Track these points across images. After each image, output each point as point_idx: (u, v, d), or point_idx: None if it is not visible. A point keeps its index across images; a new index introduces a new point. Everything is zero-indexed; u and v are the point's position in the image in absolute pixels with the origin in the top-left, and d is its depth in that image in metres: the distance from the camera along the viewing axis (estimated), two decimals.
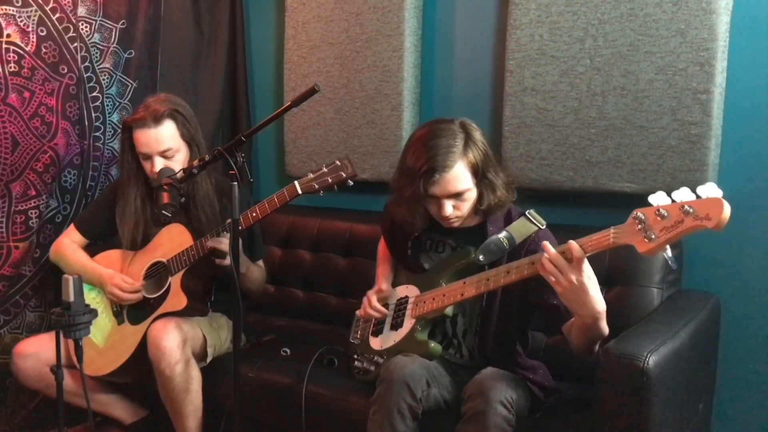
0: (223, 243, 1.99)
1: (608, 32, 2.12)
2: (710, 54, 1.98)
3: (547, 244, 1.54)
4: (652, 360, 1.47)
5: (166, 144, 2.10)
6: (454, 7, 2.53)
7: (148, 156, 2.11)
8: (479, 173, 1.73)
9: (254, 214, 1.95)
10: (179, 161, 2.13)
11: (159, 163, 2.09)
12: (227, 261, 1.98)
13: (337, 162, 1.84)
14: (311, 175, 1.85)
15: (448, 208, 1.73)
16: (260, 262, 2.35)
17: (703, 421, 1.95)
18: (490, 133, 2.40)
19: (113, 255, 2.27)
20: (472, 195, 1.75)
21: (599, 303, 1.52)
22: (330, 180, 1.83)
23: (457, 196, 1.73)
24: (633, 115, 2.10)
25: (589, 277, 1.50)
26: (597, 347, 1.64)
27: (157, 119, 2.08)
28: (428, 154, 1.68)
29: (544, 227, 1.77)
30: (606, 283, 2.06)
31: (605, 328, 1.59)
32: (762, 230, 2.02)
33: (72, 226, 2.33)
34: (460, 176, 1.70)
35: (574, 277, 1.49)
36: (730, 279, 2.08)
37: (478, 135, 1.75)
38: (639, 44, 2.07)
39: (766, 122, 2.01)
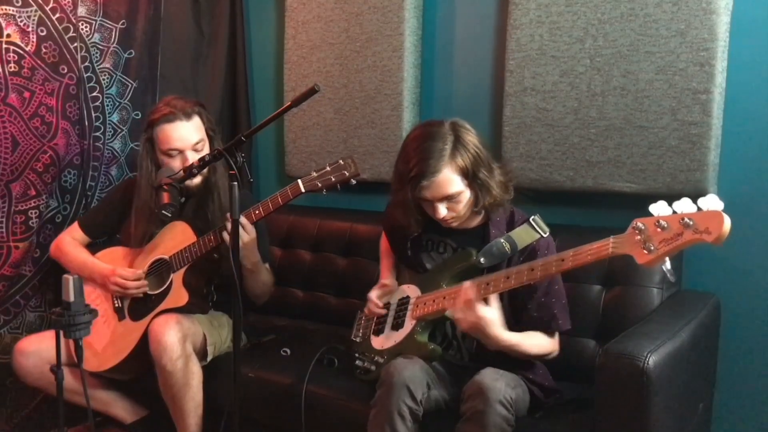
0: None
1: (608, 32, 2.12)
2: (710, 54, 1.98)
3: (469, 288, 1.66)
4: (652, 360, 1.47)
5: (198, 136, 2.16)
6: (454, 7, 2.53)
7: (180, 150, 2.13)
8: (469, 175, 1.73)
9: (257, 212, 1.96)
10: (204, 153, 2.15)
11: (191, 157, 2.11)
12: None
13: (341, 161, 1.84)
14: (314, 174, 1.85)
15: (442, 210, 1.75)
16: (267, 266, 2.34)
17: (703, 421, 1.95)
18: (490, 133, 2.41)
19: (116, 252, 2.29)
20: (465, 196, 1.75)
21: (498, 342, 1.65)
22: (333, 179, 1.83)
23: (449, 198, 1.74)
24: (633, 115, 2.10)
25: (485, 319, 1.61)
26: (539, 359, 1.80)
27: (188, 114, 2.14)
28: (416, 159, 1.70)
29: (546, 235, 1.77)
30: (606, 283, 2.06)
31: (527, 354, 1.73)
32: (762, 230, 2.02)
33: (75, 223, 2.34)
34: (448, 180, 1.71)
35: (471, 318, 1.62)
36: (730, 279, 2.07)
37: (468, 137, 1.74)
38: (639, 44, 2.07)
39: (766, 122, 2.01)
